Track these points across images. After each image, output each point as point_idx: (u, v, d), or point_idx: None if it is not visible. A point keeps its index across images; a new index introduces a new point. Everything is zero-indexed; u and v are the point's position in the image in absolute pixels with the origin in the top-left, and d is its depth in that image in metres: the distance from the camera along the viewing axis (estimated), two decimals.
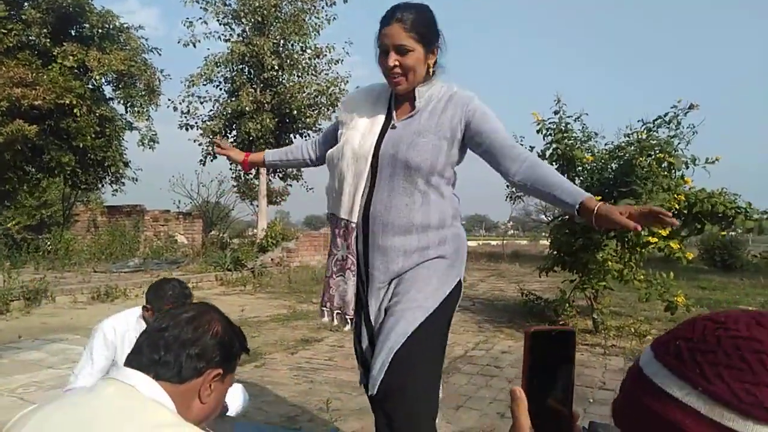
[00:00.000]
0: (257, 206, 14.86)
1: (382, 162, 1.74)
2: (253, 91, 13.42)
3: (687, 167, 5.54)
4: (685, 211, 5.53)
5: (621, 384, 0.62)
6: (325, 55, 14.18)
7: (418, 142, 1.71)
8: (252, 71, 13.77)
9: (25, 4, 12.25)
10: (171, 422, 0.99)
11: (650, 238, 5.20)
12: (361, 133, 1.80)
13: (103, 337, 2.28)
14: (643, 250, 5.54)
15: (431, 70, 1.76)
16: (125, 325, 2.33)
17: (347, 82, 14.07)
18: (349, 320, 1.83)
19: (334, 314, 1.86)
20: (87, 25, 12.78)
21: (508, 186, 18.62)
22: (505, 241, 23.65)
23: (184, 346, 1.10)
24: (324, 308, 1.90)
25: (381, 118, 1.81)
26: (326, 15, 14.03)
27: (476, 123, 1.72)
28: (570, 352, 0.67)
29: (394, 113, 1.81)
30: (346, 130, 1.85)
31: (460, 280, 1.81)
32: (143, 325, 2.30)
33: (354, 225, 1.77)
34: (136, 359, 1.09)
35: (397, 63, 1.69)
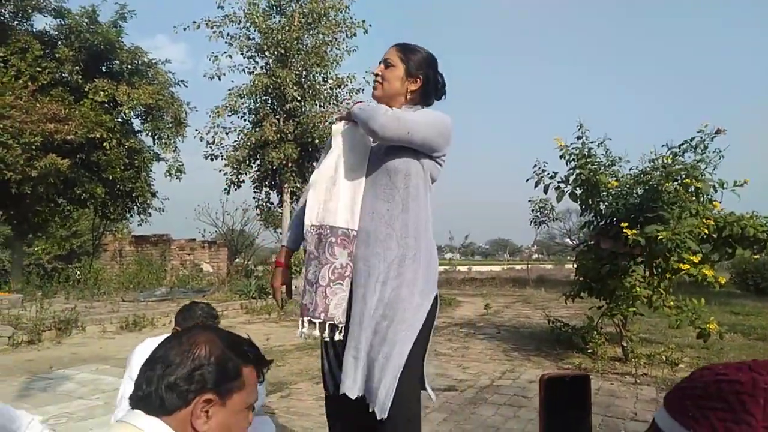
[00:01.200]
0: (281, 233, 14.99)
1: (367, 173, 1.94)
2: (276, 121, 13.67)
3: (715, 191, 5.46)
4: (715, 235, 5.43)
5: None
6: (347, 84, 14.40)
7: (391, 150, 1.91)
8: (275, 102, 14.04)
9: (59, 43, 12.76)
10: None
11: (681, 264, 5.10)
12: (349, 146, 1.97)
13: (138, 357, 2.33)
14: (673, 276, 5.44)
15: (407, 95, 2.01)
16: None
17: None
18: (341, 328, 1.84)
19: (327, 324, 1.84)
20: (117, 62, 13.24)
21: (532, 211, 18.53)
22: (529, 266, 23.37)
23: (163, 376, 1.04)
24: (314, 320, 1.85)
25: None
26: (347, 46, 14.30)
27: None
28: (586, 397, 0.67)
29: None
30: (336, 145, 2.00)
31: (436, 295, 1.94)
32: None
33: (356, 233, 1.88)
34: (132, 396, 1.07)
35: (379, 72, 2.00)
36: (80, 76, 12.49)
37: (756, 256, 5.69)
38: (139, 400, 1.05)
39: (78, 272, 13.91)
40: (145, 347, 2.38)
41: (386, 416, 1.73)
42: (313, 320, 1.84)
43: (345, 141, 1.98)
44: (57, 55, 12.37)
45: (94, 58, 12.94)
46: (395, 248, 1.85)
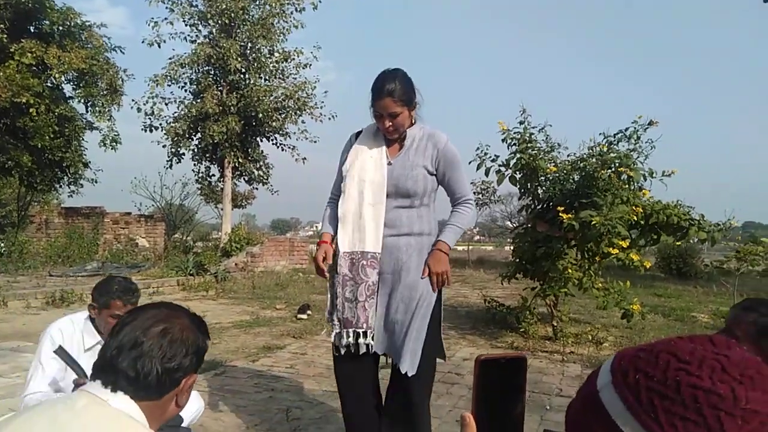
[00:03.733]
0: (222, 209, 14.64)
1: (388, 191, 2.33)
2: (218, 93, 13.25)
3: (645, 179, 5.71)
4: (643, 222, 5.70)
5: (578, 391, 0.62)
6: (293, 58, 14.10)
7: (412, 174, 2.32)
8: (218, 73, 13.58)
9: None
10: None
11: (611, 249, 5.33)
12: (370, 174, 2.35)
13: (50, 341, 2.22)
14: (603, 260, 5.68)
15: (413, 119, 2.39)
16: (72, 326, 2.28)
17: (315, 87, 14.01)
18: (370, 333, 2.29)
19: (368, 333, 2.28)
20: (47, 22, 12.38)
21: (475, 192, 18.91)
22: (470, 247, 23.88)
23: (163, 361, 1.09)
24: (358, 329, 2.28)
25: (381, 159, 2.37)
26: (294, 20, 13.96)
27: (443, 166, 2.37)
28: (521, 378, 0.68)
29: (387, 152, 2.39)
30: (355, 172, 2.38)
31: None
32: (91, 326, 2.26)
33: (380, 255, 2.30)
34: (108, 375, 1.07)
35: (391, 124, 2.30)
36: (5, 36, 11.62)
37: (678, 243, 6.02)
38: (131, 382, 1.06)
39: (2, 245, 13.13)
40: (60, 324, 2.27)
41: (414, 373, 2.21)
42: (357, 330, 2.28)
43: (366, 177, 2.35)
44: None
45: (21, 17, 12.06)
46: (414, 244, 2.32)
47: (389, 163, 2.36)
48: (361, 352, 2.30)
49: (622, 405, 0.54)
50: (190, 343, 1.14)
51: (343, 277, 2.33)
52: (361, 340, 2.27)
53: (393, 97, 2.25)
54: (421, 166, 2.33)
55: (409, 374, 2.21)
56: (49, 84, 12.54)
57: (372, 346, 2.30)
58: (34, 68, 11.97)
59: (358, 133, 2.51)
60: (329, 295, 2.42)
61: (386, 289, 2.32)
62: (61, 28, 12.47)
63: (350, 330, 2.29)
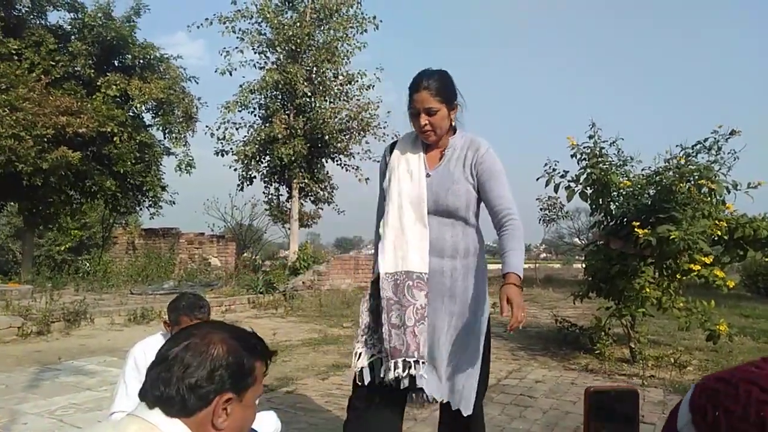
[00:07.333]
0: (289, 229, 15.01)
1: (429, 207, 2.12)
2: (286, 117, 13.68)
3: (729, 192, 5.40)
4: (726, 237, 5.38)
5: (662, 429, 0.60)
6: (357, 81, 14.38)
7: (453, 188, 2.12)
8: (285, 98, 14.05)
9: (72, 37, 12.83)
10: None
11: (692, 265, 5.06)
12: (409, 198, 2.14)
13: (134, 362, 2.33)
14: (683, 277, 5.39)
15: (453, 123, 2.19)
16: (154, 346, 2.39)
17: (378, 107, 14.22)
18: (423, 364, 2.01)
19: (420, 363, 2.00)
20: (129, 56, 13.28)
21: (541, 209, 18.46)
22: (537, 265, 23.27)
23: (183, 377, 1.04)
24: (408, 359, 1.99)
25: (419, 170, 2.16)
26: (357, 42, 14.28)
27: (482, 174, 2.14)
28: (632, 411, 0.66)
29: (425, 163, 2.18)
30: (394, 186, 2.17)
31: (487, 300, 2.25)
32: None
33: (428, 276, 2.07)
34: (145, 395, 1.07)
35: (427, 122, 2.09)
36: (93, 70, 12.54)
37: (767, 259, 5.64)
38: (158, 401, 1.04)
39: (87, 264, 14.01)
40: (143, 345, 2.38)
41: (471, 412, 2.06)
42: (408, 359, 1.99)
43: (403, 191, 2.15)
44: (70, 48, 12.43)
45: (106, 53, 13.00)
46: (460, 268, 2.11)
47: (428, 175, 2.16)
48: (402, 386, 2.03)
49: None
50: (217, 358, 1.07)
51: (387, 301, 2.07)
52: (412, 371, 1.99)
53: (430, 90, 2.07)
54: (463, 178, 2.13)
55: (465, 413, 2.06)
56: (131, 113, 13.39)
57: (419, 378, 2.02)
58: (118, 99, 12.82)
59: (393, 145, 2.31)
60: (362, 324, 2.19)
61: (431, 320, 2.09)
62: (141, 61, 13.33)
63: (399, 360, 2.00)
